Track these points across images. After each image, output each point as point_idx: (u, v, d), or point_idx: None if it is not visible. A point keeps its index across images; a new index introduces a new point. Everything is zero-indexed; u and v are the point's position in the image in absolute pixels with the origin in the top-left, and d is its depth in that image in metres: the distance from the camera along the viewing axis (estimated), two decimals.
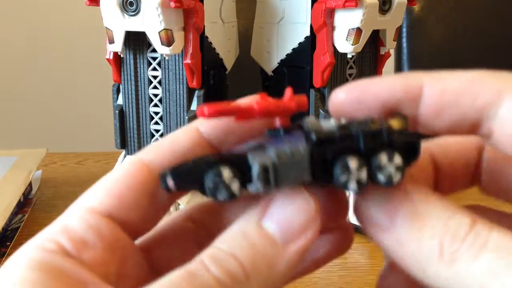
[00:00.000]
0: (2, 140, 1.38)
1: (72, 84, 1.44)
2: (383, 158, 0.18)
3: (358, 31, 0.49)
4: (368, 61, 0.55)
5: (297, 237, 0.18)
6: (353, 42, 0.49)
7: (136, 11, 0.46)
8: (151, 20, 0.46)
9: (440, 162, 0.22)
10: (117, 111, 0.53)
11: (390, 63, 0.58)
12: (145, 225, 0.21)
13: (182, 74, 0.51)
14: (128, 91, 0.53)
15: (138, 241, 0.21)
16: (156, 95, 0.53)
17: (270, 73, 0.57)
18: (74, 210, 0.19)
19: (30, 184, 0.59)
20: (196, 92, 0.51)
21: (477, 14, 0.96)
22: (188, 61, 0.49)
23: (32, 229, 0.53)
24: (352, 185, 0.18)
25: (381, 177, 0.18)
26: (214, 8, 0.52)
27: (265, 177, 0.18)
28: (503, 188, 0.22)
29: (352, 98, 0.20)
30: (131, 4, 0.46)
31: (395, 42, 0.54)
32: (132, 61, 0.52)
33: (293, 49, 0.54)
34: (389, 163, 0.18)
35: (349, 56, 0.51)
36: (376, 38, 0.53)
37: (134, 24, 0.47)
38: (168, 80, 0.52)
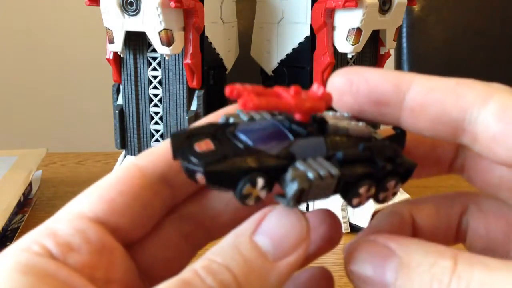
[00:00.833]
0: (2, 140, 1.38)
1: (72, 84, 1.45)
2: (390, 184, 0.20)
3: (358, 31, 0.49)
4: (368, 61, 0.55)
5: (288, 254, 0.18)
6: (353, 42, 0.49)
7: (136, 11, 0.46)
8: (151, 20, 0.46)
9: (415, 148, 0.23)
10: (117, 111, 0.53)
11: (390, 63, 0.58)
12: (137, 232, 0.20)
13: (182, 74, 0.51)
14: (128, 91, 0.53)
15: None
16: (156, 95, 0.53)
17: (270, 73, 0.57)
18: (62, 214, 0.19)
19: (30, 184, 0.59)
20: (196, 92, 0.51)
21: (477, 14, 0.96)
22: (188, 61, 0.49)
23: (32, 229, 0.53)
24: (359, 202, 0.20)
25: (381, 198, 0.20)
26: (214, 8, 0.52)
27: (300, 197, 0.18)
28: (490, 182, 0.22)
29: (346, 80, 0.21)
30: (131, 4, 0.46)
31: (395, 42, 0.54)
32: (132, 61, 0.52)
33: (293, 49, 0.54)
34: (392, 188, 0.20)
35: (349, 56, 0.51)
36: (376, 38, 0.53)
37: (134, 24, 0.47)
38: (168, 80, 0.52)
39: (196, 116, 0.51)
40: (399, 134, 0.21)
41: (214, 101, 0.53)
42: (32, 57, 1.43)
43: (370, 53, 0.55)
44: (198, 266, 0.17)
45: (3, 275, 0.17)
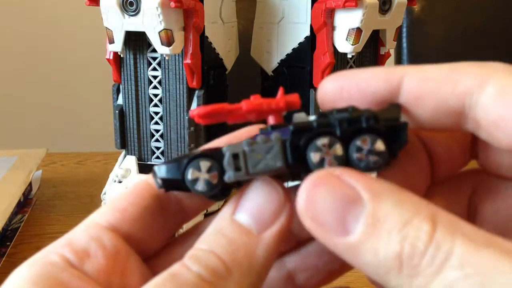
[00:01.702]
0: (2, 140, 1.38)
1: (72, 84, 1.44)
2: (359, 142, 0.18)
3: (358, 31, 0.49)
4: (368, 61, 0.55)
5: (271, 223, 0.18)
6: (353, 42, 0.49)
7: (136, 11, 0.46)
8: (151, 20, 0.46)
9: (434, 149, 0.21)
10: (117, 111, 0.53)
11: (390, 63, 0.58)
12: (151, 242, 0.21)
13: (182, 74, 0.51)
14: (128, 91, 0.53)
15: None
16: (156, 95, 0.53)
17: (270, 73, 0.57)
18: (79, 226, 0.20)
19: (30, 184, 0.59)
20: (196, 92, 0.51)
21: (477, 14, 0.96)
22: (188, 61, 0.49)
23: (32, 229, 0.53)
24: (329, 162, 0.18)
25: (358, 162, 0.18)
26: (214, 8, 0.52)
27: (236, 164, 0.18)
28: (502, 164, 0.20)
29: (336, 86, 0.20)
30: (131, 4, 0.46)
31: (395, 42, 0.54)
32: (132, 61, 0.52)
33: (293, 49, 0.54)
34: (367, 147, 0.18)
35: (349, 56, 0.51)
36: (376, 38, 0.53)
37: (134, 24, 0.47)
38: (168, 80, 0.52)
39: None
40: (392, 106, 0.19)
41: (214, 101, 0.53)
42: (32, 57, 1.43)
43: (370, 53, 0.55)
44: (186, 257, 0.18)
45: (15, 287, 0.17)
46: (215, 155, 0.19)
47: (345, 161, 0.18)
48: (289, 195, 0.19)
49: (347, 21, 0.49)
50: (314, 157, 0.18)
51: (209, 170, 0.19)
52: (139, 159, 0.54)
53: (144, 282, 0.19)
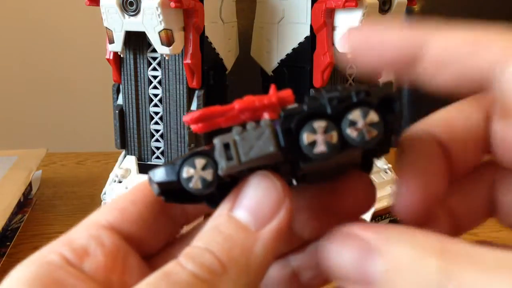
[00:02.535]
0: (2, 140, 1.38)
1: (72, 84, 1.44)
2: (351, 115, 0.17)
3: None
4: None
5: (269, 219, 0.18)
6: None
7: (136, 11, 0.46)
8: (151, 20, 0.46)
9: (450, 146, 0.21)
10: (117, 111, 0.53)
11: None
12: (152, 242, 0.21)
13: (182, 74, 0.51)
14: (128, 91, 0.53)
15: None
16: (156, 95, 0.53)
17: (270, 73, 0.57)
18: (78, 225, 0.20)
19: (30, 184, 0.59)
20: (196, 92, 0.51)
21: (477, 14, 0.96)
22: (188, 61, 0.49)
23: (32, 229, 0.53)
24: (321, 147, 0.17)
25: (353, 136, 0.17)
26: (214, 8, 0.52)
27: (227, 154, 0.18)
28: None
29: (361, 42, 0.20)
30: (131, 4, 0.46)
31: None
32: (132, 61, 0.52)
33: (293, 49, 0.54)
34: (360, 120, 0.17)
35: (349, 56, 0.51)
36: None
37: (134, 24, 0.47)
38: (168, 80, 0.52)
39: None
40: (385, 84, 0.19)
41: (214, 101, 0.53)
42: (32, 57, 1.43)
43: None
44: (181, 255, 0.17)
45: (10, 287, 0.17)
46: (211, 153, 0.18)
47: (338, 149, 0.17)
48: (289, 189, 0.18)
49: (347, 21, 0.49)
50: (306, 138, 0.17)
51: (204, 168, 0.18)
52: (139, 159, 0.54)
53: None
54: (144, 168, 0.54)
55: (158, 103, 0.53)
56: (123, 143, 0.54)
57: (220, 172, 0.18)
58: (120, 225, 0.20)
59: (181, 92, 0.51)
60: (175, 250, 0.22)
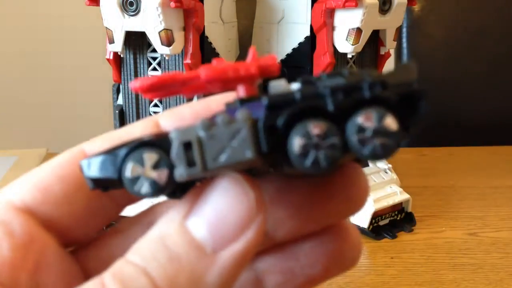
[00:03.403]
0: (2, 140, 1.38)
1: (72, 84, 1.44)
2: (360, 118, 0.13)
3: (358, 31, 0.49)
4: (368, 61, 0.55)
5: (232, 240, 0.14)
6: (353, 42, 0.49)
7: (136, 11, 0.46)
8: (151, 20, 0.46)
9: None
10: (117, 111, 0.53)
11: (390, 63, 0.58)
12: (82, 230, 0.16)
13: None
14: (128, 91, 0.53)
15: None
16: None
17: None
18: None
19: None
20: None
21: (477, 14, 0.96)
22: (188, 61, 0.49)
23: None
24: (316, 161, 0.13)
25: (359, 147, 0.13)
26: (214, 8, 0.52)
27: (188, 156, 0.13)
28: None
29: None
30: (131, 4, 0.46)
31: (395, 42, 0.54)
32: (132, 61, 0.52)
33: (293, 49, 0.54)
34: (372, 126, 0.13)
35: (349, 56, 0.51)
36: (376, 38, 0.53)
37: (134, 24, 0.47)
38: None
39: None
40: (405, 66, 0.14)
41: None
42: (32, 57, 1.43)
43: (370, 53, 0.55)
44: (107, 272, 0.14)
45: None
46: (166, 143, 0.14)
47: (338, 160, 0.13)
48: (264, 203, 0.14)
49: (347, 21, 0.49)
50: (298, 145, 0.13)
51: (155, 166, 0.13)
52: None
53: (66, 280, 0.15)
54: None
55: (158, 103, 0.53)
56: None
57: (177, 178, 0.14)
58: (39, 208, 0.15)
59: None
60: (114, 239, 0.17)
